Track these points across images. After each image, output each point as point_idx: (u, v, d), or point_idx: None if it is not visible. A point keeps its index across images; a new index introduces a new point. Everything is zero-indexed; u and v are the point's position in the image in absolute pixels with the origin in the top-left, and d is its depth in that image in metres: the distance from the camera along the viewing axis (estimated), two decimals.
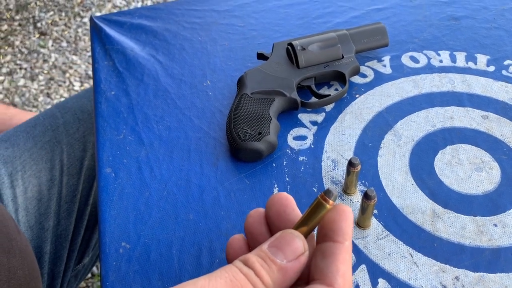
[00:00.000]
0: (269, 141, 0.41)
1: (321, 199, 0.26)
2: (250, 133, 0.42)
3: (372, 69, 0.50)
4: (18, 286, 0.43)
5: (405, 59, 0.50)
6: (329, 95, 0.46)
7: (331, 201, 0.26)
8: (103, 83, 0.50)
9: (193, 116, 0.47)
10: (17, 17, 1.99)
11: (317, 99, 0.46)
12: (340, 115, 0.46)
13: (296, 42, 0.47)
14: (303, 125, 0.45)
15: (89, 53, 1.81)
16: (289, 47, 0.47)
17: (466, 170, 0.41)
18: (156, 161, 0.43)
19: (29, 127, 0.68)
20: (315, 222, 0.27)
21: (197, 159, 0.43)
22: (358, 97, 0.47)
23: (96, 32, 0.56)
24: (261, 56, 0.49)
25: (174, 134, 0.45)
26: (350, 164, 0.37)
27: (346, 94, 0.47)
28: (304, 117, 0.46)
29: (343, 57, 0.47)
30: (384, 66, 0.50)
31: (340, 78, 0.47)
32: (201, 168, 0.43)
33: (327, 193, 0.26)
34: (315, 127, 0.45)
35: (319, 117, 0.46)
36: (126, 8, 1.94)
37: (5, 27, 1.95)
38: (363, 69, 0.50)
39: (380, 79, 0.49)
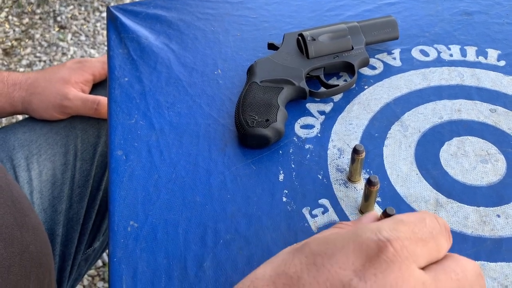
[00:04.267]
0: (276, 128, 0.42)
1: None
2: (257, 119, 0.42)
3: (382, 61, 0.50)
4: (30, 260, 0.44)
5: (415, 53, 0.51)
6: (338, 85, 0.46)
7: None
8: (117, 70, 0.52)
9: (203, 103, 0.48)
10: (38, 11, 2.02)
11: (325, 89, 0.46)
12: (348, 105, 0.46)
13: (307, 32, 0.48)
14: (311, 114, 0.46)
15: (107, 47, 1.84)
16: (299, 37, 0.48)
17: (472, 161, 0.41)
18: (166, 146, 0.44)
19: None
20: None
21: (206, 145, 0.44)
22: (366, 88, 0.48)
23: (112, 21, 0.58)
24: (271, 46, 0.50)
25: (184, 120, 0.46)
26: (355, 151, 0.38)
27: (354, 85, 0.48)
28: (312, 106, 0.47)
29: (352, 48, 0.48)
30: (394, 58, 0.50)
31: (349, 69, 0.48)
32: (209, 153, 0.44)
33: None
34: (323, 117, 0.46)
35: (327, 107, 0.46)
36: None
37: (26, 20, 1.99)
38: (372, 61, 0.50)
39: (389, 71, 0.49)
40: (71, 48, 1.85)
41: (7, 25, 1.96)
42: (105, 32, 1.89)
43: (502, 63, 0.49)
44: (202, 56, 0.53)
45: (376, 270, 0.24)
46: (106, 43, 1.86)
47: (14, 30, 1.94)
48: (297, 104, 0.47)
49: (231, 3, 0.59)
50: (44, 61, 1.82)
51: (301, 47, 0.48)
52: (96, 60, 0.70)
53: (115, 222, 0.39)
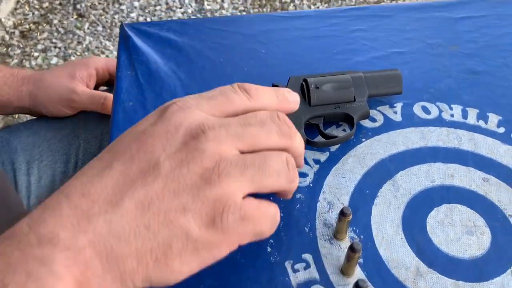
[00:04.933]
0: None
1: None
2: None
3: (383, 114, 0.51)
4: None
5: (417, 109, 0.51)
6: (336, 136, 0.47)
7: None
8: (123, 93, 0.53)
9: None
10: None
11: (323, 139, 0.47)
12: (344, 157, 0.47)
13: (311, 79, 0.48)
14: (306, 162, 0.46)
15: None
16: (303, 83, 0.49)
17: (457, 231, 0.42)
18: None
19: (52, 118, 0.70)
20: None
21: None
22: (364, 141, 0.48)
23: (124, 40, 0.58)
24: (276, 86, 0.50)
25: None
26: (342, 213, 0.38)
27: (352, 137, 0.48)
28: (308, 154, 0.47)
29: (355, 100, 0.48)
30: (395, 113, 0.51)
31: (349, 120, 0.48)
32: None
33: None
34: (317, 166, 0.46)
35: (323, 156, 0.47)
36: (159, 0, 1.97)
37: (46, 4, 2.01)
38: (373, 113, 0.51)
39: (389, 125, 0.50)
40: (87, 37, 1.87)
41: (27, 7, 1.98)
42: None
43: (501, 129, 0.49)
44: (207, 88, 0.53)
45: (164, 118, 0.31)
46: None
47: (33, 13, 1.96)
48: None
49: (243, 35, 0.60)
50: (59, 48, 1.83)
51: (304, 93, 0.48)
52: (99, 57, 0.72)
53: None
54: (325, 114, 0.48)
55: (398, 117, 0.50)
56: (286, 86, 0.49)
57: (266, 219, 0.31)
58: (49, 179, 0.67)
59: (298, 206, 0.43)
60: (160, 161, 0.28)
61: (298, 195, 0.44)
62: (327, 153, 0.47)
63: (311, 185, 0.45)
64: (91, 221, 0.27)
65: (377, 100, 0.52)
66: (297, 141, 0.34)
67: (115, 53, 1.82)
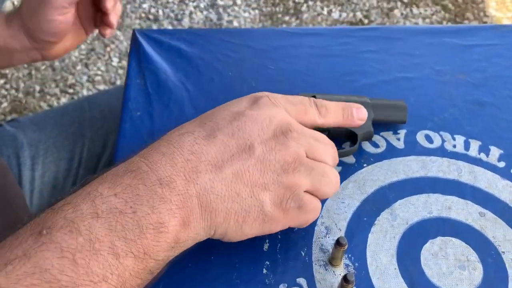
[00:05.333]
0: None
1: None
2: None
3: (386, 140, 0.51)
4: None
5: (420, 137, 0.52)
6: (344, 148, 0.48)
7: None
8: (132, 102, 0.53)
9: None
10: None
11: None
12: (344, 181, 0.48)
13: (320, 96, 0.49)
14: None
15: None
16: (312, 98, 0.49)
17: (450, 265, 0.42)
18: None
19: (58, 115, 0.71)
20: None
21: None
22: (365, 166, 0.49)
23: (135, 47, 0.59)
24: None
25: None
26: (338, 243, 0.39)
27: (354, 161, 0.49)
28: None
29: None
30: (398, 139, 0.51)
31: (352, 138, 0.49)
32: None
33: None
34: None
35: None
36: None
37: None
38: (376, 138, 0.51)
39: (391, 152, 0.50)
40: None
41: None
42: (134, 16, 1.91)
43: (501, 164, 0.50)
44: (214, 102, 0.54)
45: (258, 106, 0.38)
46: (132, 27, 1.87)
47: None
48: None
49: (253, 49, 0.60)
50: None
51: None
52: None
53: None
54: (329, 129, 0.47)
55: (400, 144, 0.51)
56: None
57: (314, 212, 0.39)
58: (53, 175, 0.68)
59: (296, 229, 0.44)
60: (255, 144, 0.36)
61: None
62: None
63: None
64: (199, 176, 0.34)
65: (381, 125, 0.52)
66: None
67: (125, 43, 1.83)
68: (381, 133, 0.52)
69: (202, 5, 1.97)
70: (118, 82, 1.71)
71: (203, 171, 0.34)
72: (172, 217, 0.32)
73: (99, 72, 1.73)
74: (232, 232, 0.36)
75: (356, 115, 0.45)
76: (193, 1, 1.98)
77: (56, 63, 1.75)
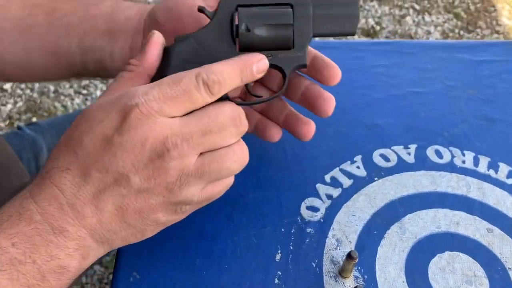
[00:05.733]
0: None
1: None
2: None
3: (397, 154, 0.52)
4: None
5: (430, 152, 0.53)
6: (261, 96, 0.42)
7: None
8: None
9: None
10: None
11: (247, 101, 0.42)
12: (355, 194, 0.49)
13: (244, 13, 0.39)
14: (319, 197, 0.49)
15: None
16: (235, 14, 0.39)
17: (457, 280, 0.43)
18: None
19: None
20: None
21: (214, 208, 0.47)
22: (376, 180, 0.50)
23: None
24: (201, 11, 0.40)
25: None
26: (349, 256, 0.40)
27: (365, 175, 0.50)
28: (321, 188, 0.49)
29: (293, 47, 0.40)
30: (409, 154, 0.52)
31: (281, 73, 0.41)
32: (216, 216, 0.47)
33: None
34: (329, 201, 0.48)
35: (336, 192, 0.49)
36: None
37: None
38: (387, 152, 0.52)
39: (401, 166, 0.51)
40: None
41: None
42: None
43: (510, 181, 0.51)
44: None
45: (129, 127, 0.33)
46: None
47: None
48: (307, 183, 0.49)
49: None
50: None
51: (233, 27, 0.39)
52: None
53: (119, 270, 0.43)
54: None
55: (411, 159, 0.52)
56: (214, 14, 0.39)
57: (221, 189, 0.39)
58: None
59: (307, 240, 0.45)
60: (130, 176, 0.34)
61: (308, 230, 0.46)
62: (340, 189, 0.49)
63: (322, 220, 0.47)
64: (86, 220, 0.34)
65: (392, 139, 0.54)
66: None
67: None
68: (392, 147, 0.53)
69: None
70: None
71: (88, 215, 0.34)
72: (71, 259, 0.34)
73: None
74: (135, 241, 0.38)
75: (257, 70, 0.37)
76: None
77: None
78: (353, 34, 0.42)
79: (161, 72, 0.38)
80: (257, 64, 0.37)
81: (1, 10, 0.49)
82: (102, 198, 0.34)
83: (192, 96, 0.34)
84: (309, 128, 0.46)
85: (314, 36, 0.40)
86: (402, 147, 0.53)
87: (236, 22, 0.39)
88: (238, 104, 0.39)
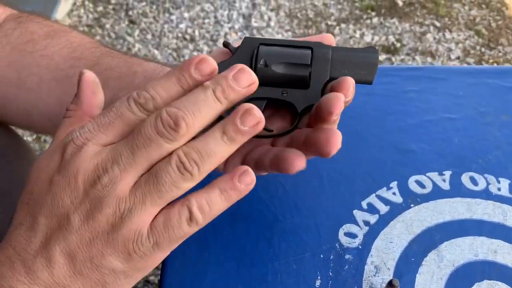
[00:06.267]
0: None
1: None
2: None
3: (432, 180, 0.53)
4: None
5: (465, 179, 0.53)
6: (272, 130, 0.41)
7: None
8: None
9: (258, 184, 0.52)
10: (113, 1, 2.12)
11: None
12: (392, 221, 0.50)
13: (264, 50, 0.41)
14: (356, 223, 0.49)
15: (170, 50, 1.92)
16: (256, 51, 0.41)
17: None
18: (220, 227, 0.49)
19: None
20: None
21: (255, 231, 0.48)
22: (412, 207, 0.51)
23: None
24: (226, 46, 0.42)
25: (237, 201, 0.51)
26: (390, 284, 0.41)
27: (402, 201, 0.51)
28: (358, 214, 0.50)
29: (308, 87, 0.41)
30: (444, 181, 0.53)
31: (293, 113, 0.42)
32: (256, 240, 0.48)
33: None
34: (367, 228, 0.49)
35: (373, 218, 0.50)
36: (211, 8, 2.02)
37: (100, 8, 2.09)
38: (422, 178, 0.53)
39: (437, 193, 0.52)
40: (137, 44, 1.94)
41: (82, 10, 2.07)
42: (171, 35, 1.97)
43: None
44: None
45: (65, 163, 0.32)
46: (170, 46, 1.94)
47: (87, 16, 2.05)
48: (344, 208, 0.50)
49: None
50: None
51: (252, 61, 0.41)
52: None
53: None
54: (268, 98, 0.41)
55: (446, 186, 0.53)
56: (237, 49, 0.42)
57: (179, 228, 0.32)
58: None
59: (346, 267, 0.46)
60: (70, 215, 0.31)
61: (347, 256, 0.47)
62: (377, 216, 0.50)
63: (360, 247, 0.48)
64: (38, 275, 0.32)
65: (426, 166, 0.54)
66: (188, 134, 0.32)
67: (162, 62, 1.88)
68: (427, 174, 0.54)
69: (236, 26, 2.02)
70: None
71: (39, 269, 0.31)
72: None
73: None
74: None
75: (197, 72, 0.33)
76: (228, 22, 2.03)
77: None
78: (370, 83, 0.42)
79: None
80: (196, 66, 0.33)
81: (45, 60, 0.50)
82: (50, 247, 0.31)
83: (125, 117, 0.32)
84: (333, 138, 0.37)
85: (331, 79, 0.41)
86: (437, 173, 0.54)
87: (256, 58, 0.40)
88: None
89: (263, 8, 2.10)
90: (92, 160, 0.32)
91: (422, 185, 0.53)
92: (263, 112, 0.39)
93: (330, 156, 0.37)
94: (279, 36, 2.00)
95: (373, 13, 2.09)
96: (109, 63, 0.50)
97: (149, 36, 1.98)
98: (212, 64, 0.33)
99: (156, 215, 0.32)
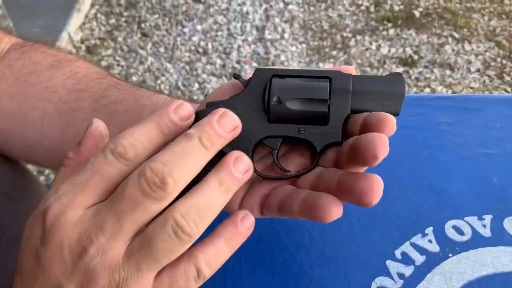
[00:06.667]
0: None
1: None
2: None
3: (471, 226, 0.49)
4: None
5: (508, 224, 0.49)
6: (289, 171, 0.37)
7: None
8: None
9: (283, 231, 0.48)
10: (125, 14, 2.11)
11: (272, 175, 0.38)
12: (429, 274, 0.45)
13: (277, 85, 0.37)
14: (390, 275, 0.45)
15: (182, 64, 1.89)
16: (268, 85, 0.37)
17: None
18: (239, 275, 0.45)
19: None
20: None
21: (279, 282, 0.45)
22: (451, 256, 0.47)
23: None
24: (236, 77, 0.38)
25: (262, 247, 0.47)
26: None
27: (439, 250, 0.47)
28: (392, 265, 0.46)
29: (327, 123, 0.37)
30: (484, 226, 0.49)
31: (312, 150, 0.37)
32: None
33: None
34: (402, 281, 0.45)
35: (408, 270, 0.46)
36: (224, 20, 1.99)
37: (112, 21, 2.08)
38: (460, 223, 0.49)
39: (477, 241, 0.48)
40: (149, 58, 1.92)
41: (94, 23, 2.06)
42: (183, 48, 1.94)
43: None
44: None
45: (48, 234, 0.29)
46: (183, 59, 1.91)
47: (100, 29, 2.03)
48: (377, 259, 0.46)
49: None
50: (122, 66, 1.89)
51: (265, 97, 0.37)
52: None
53: None
54: (283, 136, 0.37)
55: (487, 232, 0.48)
56: (248, 83, 0.38)
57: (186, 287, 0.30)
58: None
59: None
60: (64, 284, 0.29)
61: None
62: (412, 267, 0.46)
63: None
64: None
65: (464, 208, 0.50)
66: (176, 190, 0.29)
67: (175, 76, 1.86)
68: (465, 218, 0.49)
69: (250, 39, 1.99)
70: None
71: None
72: None
73: None
74: None
75: (179, 118, 0.31)
76: (241, 35, 2.01)
77: None
78: (396, 115, 0.36)
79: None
80: (176, 112, 0.31)
81: (47, 92, 0.47)
82: None
83: (104, 172, 0.29)
84: (376, 185, 0.32)
85: (352, 112, 0.36)
86: (476, 217, 0.50)
87: (269, 93, 0.37)
88: (260, 176, 0.37)
89: (277, 20, 2.07)
90: (74, 229, 0.29)
91: (460, 231, 0.48)
92: (278, 150, 0.37)
93: (370, 207, 0.33)
94: (293, 49, 1.96)
95: (390, 24, 2.05)
96: (116, 96, 0.47)
97: (161, 49, 1.96)
98: (189, 109, 0.31)
99: (160, 274, 0.29)
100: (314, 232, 0.48)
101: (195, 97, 1.77)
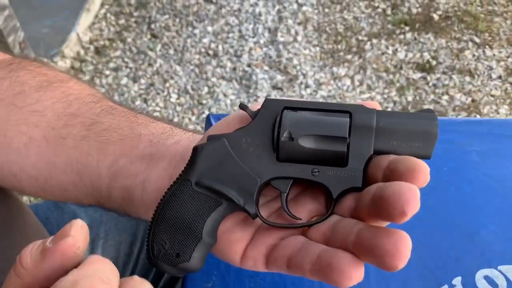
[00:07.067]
0: (186, 269, 0.32)
1: None
2: (166, 249, 0.32)
3: (506, 277, 0.43)
4: None
5: None
6: (300, 219, 0.32)
7: None
8: None
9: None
10: (135, 14, 2.06)
11: (279, 223, 0.33)
12: None
13: (289, 118, 0.32)
14: None
15: (192, 66, 1.84)
16: (279, 119, 0.32)
17: None
18: None
19: None
20: None
21: None
22: None
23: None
24: (243, 109, 0.34)
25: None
26: None
27: None
28: None
29: (345, 165, 0.32)
30: None
31: (327, 194, 0.33)
32: None
33: None
34: None
35: None
36: (235, 21, 1.94)
37: (122, 21, 2.03)
38: (494, 274, 0.43)
39: None
40: (158, 60, 1.87)
41: (104, 23, 2.02)
42: (193, 50, 1.89)
43: None
44: None
45: None
46: (192, 62, 1.86)
47: (109, 29, 1.99)
48: None
49: None
50: (130, 68, 1.85)
51: (274, 133, 0.32)
52: None
53: None
54: (294, 178, 0.32)
55: None
56: (256, 115, 0.34)
57: None
58: (112, 261, 0.63)
59: None
60: None
61: None
62: None
63: None
64: None
65: (498, 256, 0.44)
66: None
67: (184, 79, 1.81)
68: (499, 267, 0.43)
69: (262, 41, 1.93)
70: (176, 120, 1.69)
71: None
72: None
73: (158, 108, 1.72)
74: None
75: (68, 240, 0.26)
76: (253, 37, 1.95)
77: (116, 97, 1.75)
78: (427, 158, 0.31)
79: (186, 172, 0.33)
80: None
81: (35, 116, 0.42)
82: None
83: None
84: (402, 246, 0.27)
85: (375, 153, 0.31)
86: (510, 266, 0.43)
87: (279, 127, 0.32)
88: (266, 223, 0.32)
89: (290, 22, 2.01)
90: None
91: (493, 283, 0.42)
92: (288, 193, 0.32)
93: (394, 271, 0.27)
94: (306, 52, 1.90)
95: (407, 28, 1.98)
96: (110, 123, 0.42)
97: (171, 51, 1.91)
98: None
99: None
100: (326, 284, 0.43)
101: (204, 101, 1.72)
